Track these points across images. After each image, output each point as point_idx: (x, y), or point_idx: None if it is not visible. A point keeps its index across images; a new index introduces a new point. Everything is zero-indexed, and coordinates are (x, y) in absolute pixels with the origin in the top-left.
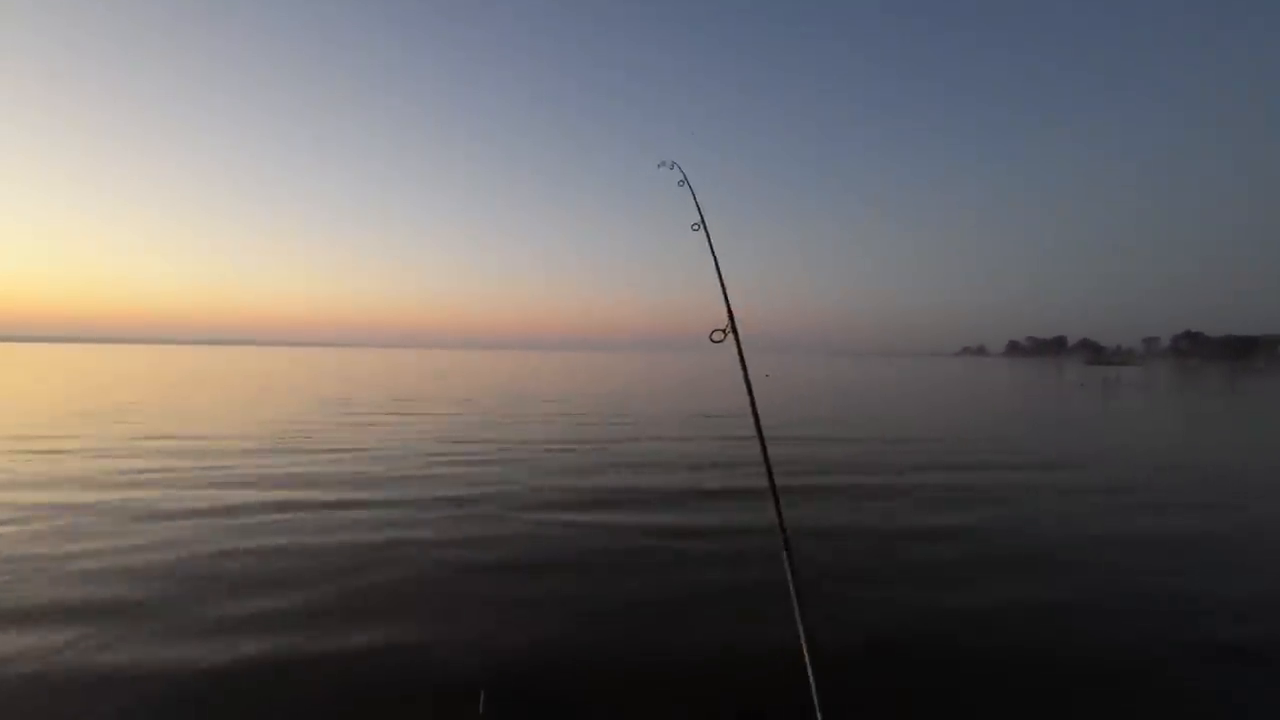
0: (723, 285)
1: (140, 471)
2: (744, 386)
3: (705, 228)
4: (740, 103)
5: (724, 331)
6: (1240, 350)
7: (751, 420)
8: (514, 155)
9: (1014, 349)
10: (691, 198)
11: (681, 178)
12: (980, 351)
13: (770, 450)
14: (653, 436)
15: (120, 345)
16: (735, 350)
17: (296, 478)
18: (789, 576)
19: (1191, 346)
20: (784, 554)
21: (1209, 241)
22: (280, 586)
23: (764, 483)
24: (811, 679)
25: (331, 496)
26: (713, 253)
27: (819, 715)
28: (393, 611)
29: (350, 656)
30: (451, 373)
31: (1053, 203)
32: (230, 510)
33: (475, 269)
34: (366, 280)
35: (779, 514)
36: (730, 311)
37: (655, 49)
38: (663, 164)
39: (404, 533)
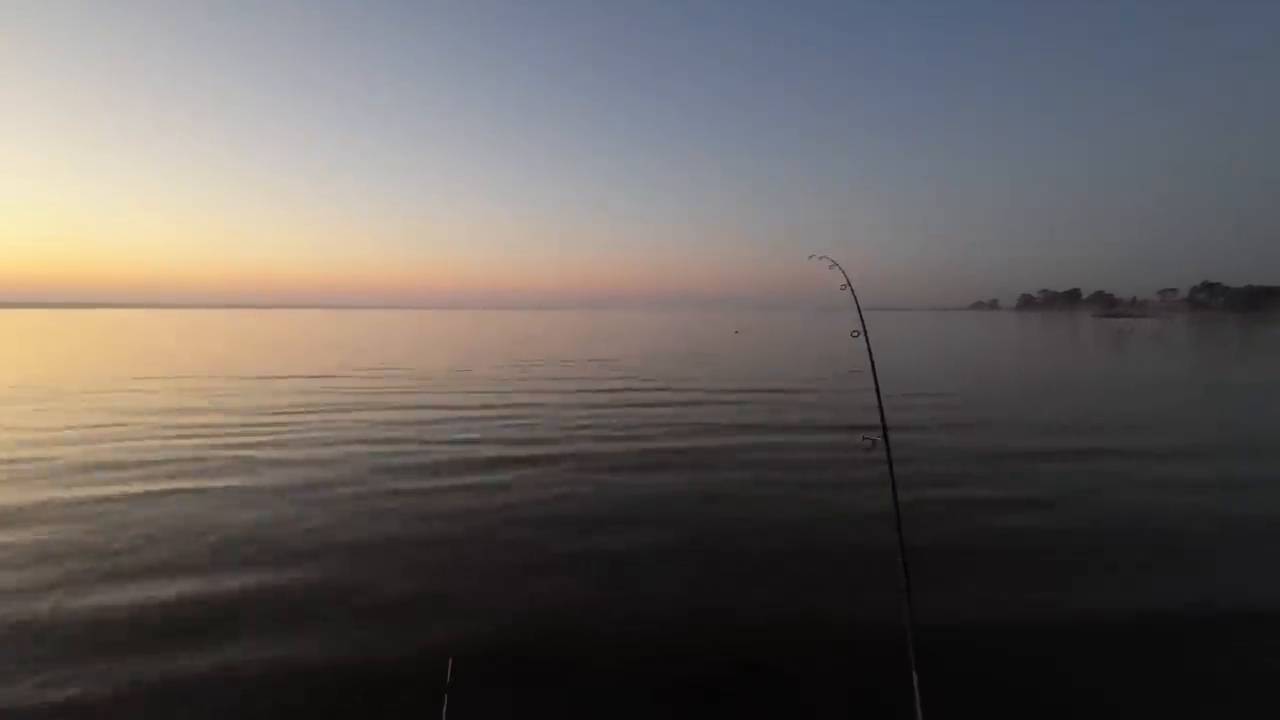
0: (878, 389)
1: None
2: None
3: (866, 337)
4: (745, 52)
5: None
6: (1260, 301)
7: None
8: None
9: (1027, 302)
10: (853, 299)
11: (845, 282)
12: (993, 305)
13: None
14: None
15: (118, 310)
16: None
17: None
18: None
19: (1209, 297)
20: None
21: (1230, 191)
22: (267, 556)
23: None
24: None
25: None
26: (870, 359)
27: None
28: (364, 583)
29: (325, 630)
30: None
31: (1067, 153)
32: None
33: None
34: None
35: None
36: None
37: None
38: (817, 256)
39: (377, 503)
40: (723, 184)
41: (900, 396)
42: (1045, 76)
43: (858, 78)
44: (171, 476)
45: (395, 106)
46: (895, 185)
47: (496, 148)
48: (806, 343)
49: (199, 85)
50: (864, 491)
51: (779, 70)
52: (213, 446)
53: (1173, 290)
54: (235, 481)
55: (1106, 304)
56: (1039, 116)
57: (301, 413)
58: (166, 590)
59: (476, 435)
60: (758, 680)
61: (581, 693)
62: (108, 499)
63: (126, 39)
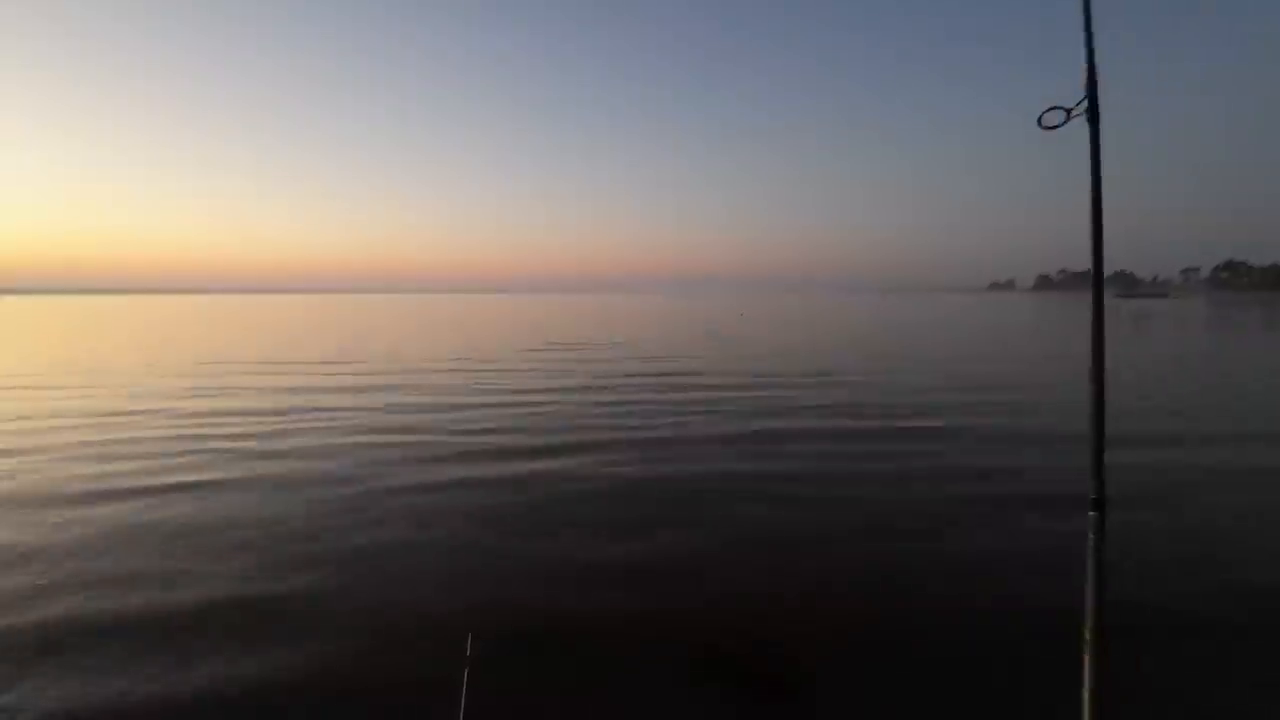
0: (1089, 30)
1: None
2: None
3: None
4: (751, 25)
5: (1067, 111)
6: None
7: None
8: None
9: (1044, 283)
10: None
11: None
12: (1009, 286)
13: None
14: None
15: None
16: (1088, 138)
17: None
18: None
19: (1232, 277)
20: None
21: (1254, 167)
22: (287, 543)
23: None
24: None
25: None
26: None
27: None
28: (385, 560)
29: (344, 612)
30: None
31: (1084, 129)
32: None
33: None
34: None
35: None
36: (1093, 72)
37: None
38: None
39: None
40: (722, 166)
41: (911, 393)
42: (1061, 51)
43: (862, 54)
44: (200, 468)
45: (408, 88)
46: (901, 169)
47: (501, 132)
48: (803, 327)
49: (211, 71)
50: (882, 487)
51: (780, 44)
52: (230, 436)
53: (1195, 269)
54: (254, 473)
55: (1127, 283)
56: (1055, 92)
57: (313, 407)
58: (186, 582)
59: (492, 424)
60: (771, 665)
61: (596, 669)
62: (117, 493)
63: (136, 26)
